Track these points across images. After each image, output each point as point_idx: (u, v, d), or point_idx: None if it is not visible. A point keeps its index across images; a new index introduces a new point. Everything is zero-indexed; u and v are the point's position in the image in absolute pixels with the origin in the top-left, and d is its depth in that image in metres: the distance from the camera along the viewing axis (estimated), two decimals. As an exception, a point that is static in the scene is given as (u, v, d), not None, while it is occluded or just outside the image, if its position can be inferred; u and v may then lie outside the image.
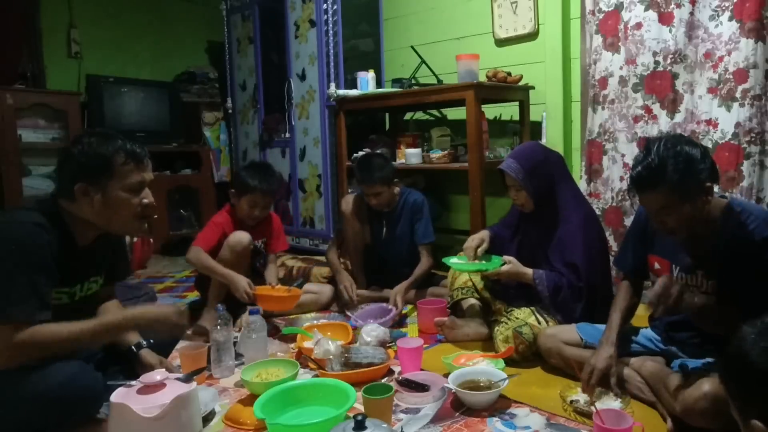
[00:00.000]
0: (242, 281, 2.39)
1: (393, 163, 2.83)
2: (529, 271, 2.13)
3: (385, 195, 2.76)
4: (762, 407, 0.89)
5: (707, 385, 1.41)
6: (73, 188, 1.50)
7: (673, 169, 1.46)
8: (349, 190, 3.63)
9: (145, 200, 1.59)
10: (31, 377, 1.41)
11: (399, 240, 2.86)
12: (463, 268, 2.28)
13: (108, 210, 1.54)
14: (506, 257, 2.15)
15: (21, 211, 1.56)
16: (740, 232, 1.51)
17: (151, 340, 1.80)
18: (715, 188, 1.56)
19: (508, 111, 3.41)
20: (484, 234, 2.31)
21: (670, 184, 1.47)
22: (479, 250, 2.22)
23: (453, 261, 2.26)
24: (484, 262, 2.19)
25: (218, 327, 2.02)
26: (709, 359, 1.58)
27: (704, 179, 1.48)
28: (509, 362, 1.99)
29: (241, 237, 2.51)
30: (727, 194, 1.64)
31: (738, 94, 2.45)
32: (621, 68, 2.78)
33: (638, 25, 2.70)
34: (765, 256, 1.47)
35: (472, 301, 2.37)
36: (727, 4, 2.46)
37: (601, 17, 2.84)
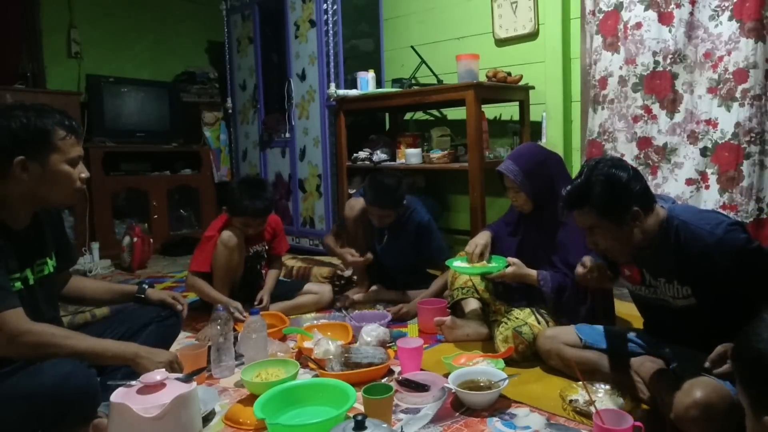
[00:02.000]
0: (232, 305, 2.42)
1: (402, 183, 2.72)
2: (533, 272, 2.13)
3: (391, 218, 2.70)
4: None
5: (699, 392, 1.38)
6: (5, 163, 1.49)
7: (599, 191, 1.53)
8: (350, 191, 3.63)
9: (83, 174, 1.61)
10: (23, 377, 1.41)
11: (398, 251, 2.83)
12: (468, 272, 2.26)
13: (48, 183, 1.55)
14: (510, 259, 2.14)
15: None
16: (680, 248, 1.53)
17: (145, 285, 1.96)
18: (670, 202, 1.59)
19: (508, 111, 3.42)
20: (486, 237, 2.28)
21: (594, 205, 1.54)
22: (482, 256, 2.22)
23: (456, 264, 2.25)
24: (488, 264, 2.19)
25: (218, 327, 2.03)
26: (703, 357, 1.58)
27: (630, 203, 1.51)
28: (509, 362, 1.99)
29: (231, 233, 2.53)
30: (665, 205, 1.63)
31: (738, 94, 2.45)
32: (621, 68, 2.78)
33: (638, 25, 2.70)
34: (707, 269, 1.49)
35: (473, 301, 2.37)
36: (726, 4, 2.46)
37: (601, 17, 2.84)
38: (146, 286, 1.96)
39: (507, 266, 2.12)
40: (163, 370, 1.48)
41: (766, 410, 0.88)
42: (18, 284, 1.54)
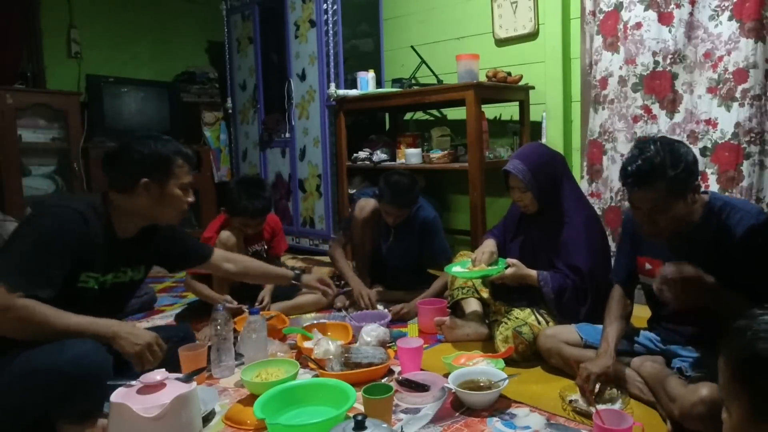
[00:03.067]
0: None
1: (417, 182, 2.74)
2: (534, 272, 2.12)
3: (405, 216, 2.72)
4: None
5: (705, 390, 1.40)
6: (132, 182, 1.68)
7: (671, 165, 1.50)
8: (350, 191, 3.63)
9: (190, 198, 1.81)
10: (44, 352, 1.44)
11: (403, 250, 2.83)
12: (468, 276, 2.26)
13: (162, 205, 1.74)
14: (510, 260, 2.14)
15: (77, 198, 1.80)
16: (721, 230, 1.55)
17: (299, 272, 2.22)
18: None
19: (508, 111, 3.42)
20: (492, 246, 2.27)
21: (667, 180, 1.50)
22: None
23: (456, 269, 2.26)
24: (486, 267, 2.18)
25: (218, 327, 2.03)
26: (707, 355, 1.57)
27: (696, 177, 1.53)
28: (509, 362, 2.00)
29: (230, 233, 2.54)
30: (707, 190, 1.65)
31: (738, 94, 2.45)
32: (621, 68, 2.78)
33: (638, 25, 2.70)
34: (743, 254, 1.49)
35: (473, 301, 2.37)
36: (726, 4, 2.46)
37: (601, 17, 2.84)
38: (299, 272, 2.32)
39: (506, 267, 2.12)
40: (164, 369, 1.48)
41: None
42: (92, 282, 1.67)
